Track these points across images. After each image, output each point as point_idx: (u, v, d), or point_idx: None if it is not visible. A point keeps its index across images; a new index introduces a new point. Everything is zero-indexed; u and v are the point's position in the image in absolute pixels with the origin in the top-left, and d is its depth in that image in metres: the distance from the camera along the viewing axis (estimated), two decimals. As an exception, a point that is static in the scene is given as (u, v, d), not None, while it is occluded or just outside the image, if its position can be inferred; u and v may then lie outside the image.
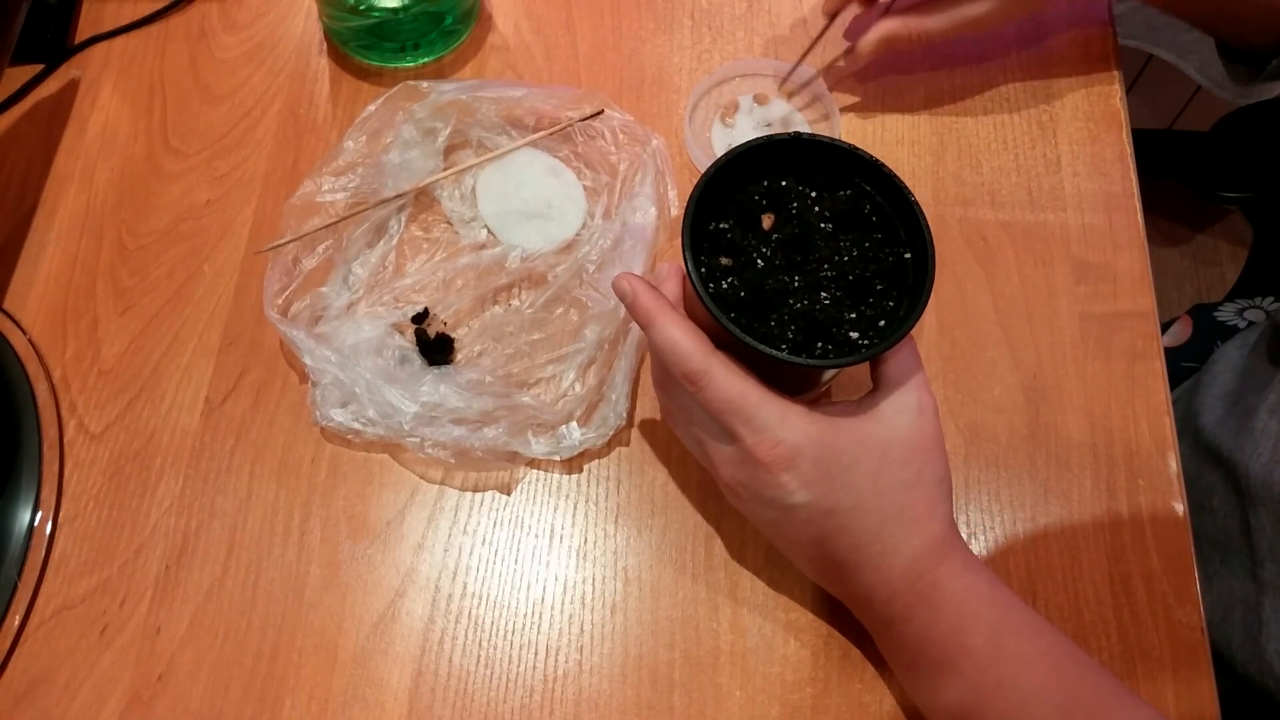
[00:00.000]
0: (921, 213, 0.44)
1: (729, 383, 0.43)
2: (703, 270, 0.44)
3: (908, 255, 0.45)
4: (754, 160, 0.46)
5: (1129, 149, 0.63)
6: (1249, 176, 1.50)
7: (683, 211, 0.44)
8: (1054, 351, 0.57)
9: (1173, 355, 0.85)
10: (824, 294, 0.44)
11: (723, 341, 0.44)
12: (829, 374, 0.49)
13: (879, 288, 0.45)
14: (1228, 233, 1.57)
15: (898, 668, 0.47)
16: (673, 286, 0.48)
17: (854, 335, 0.44)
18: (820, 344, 0.44)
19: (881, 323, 0.44)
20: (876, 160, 0.45)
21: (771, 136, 0.46)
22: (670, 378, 0.45)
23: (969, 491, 0.54)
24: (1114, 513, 0.53)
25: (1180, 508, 0.53)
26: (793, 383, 0.45)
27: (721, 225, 0.46)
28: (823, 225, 0.46)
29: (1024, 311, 0.58)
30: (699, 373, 0.43)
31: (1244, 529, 0.61)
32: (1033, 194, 0.62)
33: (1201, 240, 1.57)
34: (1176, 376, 0.69)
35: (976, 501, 0.54)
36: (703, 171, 0.45)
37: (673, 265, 0.48)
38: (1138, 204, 0.61)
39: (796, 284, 0.45)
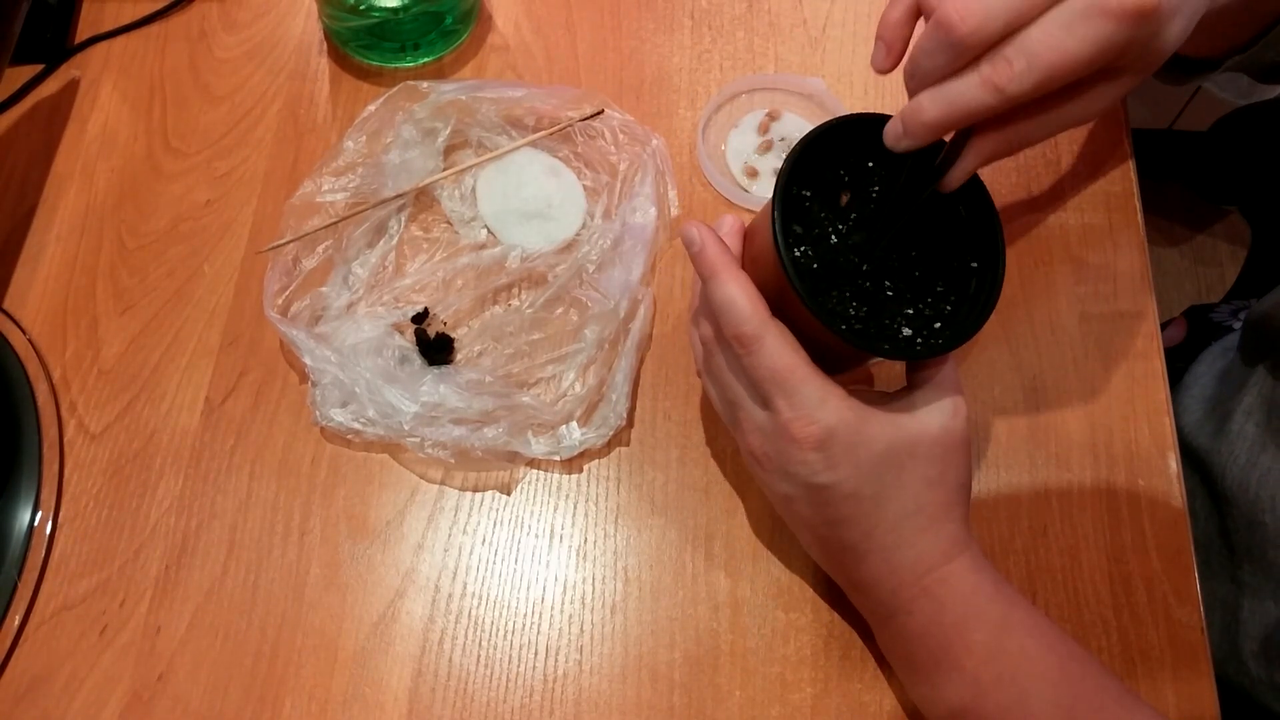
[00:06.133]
0: (999, 225, 0.44)
1: (780, 353, 0.42)
2: (784, 232, 0.43)
3: (974, 264, 0.45)
4: (851, 134, 0.45)
5: (1129, 149, 0.63)
6: (1247, 177, 1.50)
7: (776, 174, 0.43)
8: (1054, 351, 0.57)
9: (1167, 357, 0.85)
10: (888, 283, 0.44)
11: (781, 307, 0.43)
12: (873, 361, 0.49)
13: (940, 290, 0.45)
14: (1227, 233, 1.57)
15: (896, 662, 0.47)
16: (734, 243, 0.47)
17: (908, 331, 0.44)
18: (874, 330, 0.44)
19: (937, 324, 0.44)
20: None
21: (875, 114, 0.45)
22: (719, 333, 0.45)
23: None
24: (1114, 513, 0.53)
25: (1180, 508, 0.53)
26: (840, 363, 0.45)
27: (804, 193, 0.45)
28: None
29: (1024, 311, 0.58)
30: (752, 337, 0.43)
31: (1221, 531, 0.61)
32: (1033, 194, 0.62)
33: (1201, 240, 1.57)
34: (1170, 378, 0.69)
35: (977, 501, 0.54)
36: (785, 156, 0.44)
37: (736, 221, 0.48)
38: (1138, 204, 0.61)
39: (865, 268, 0.44)
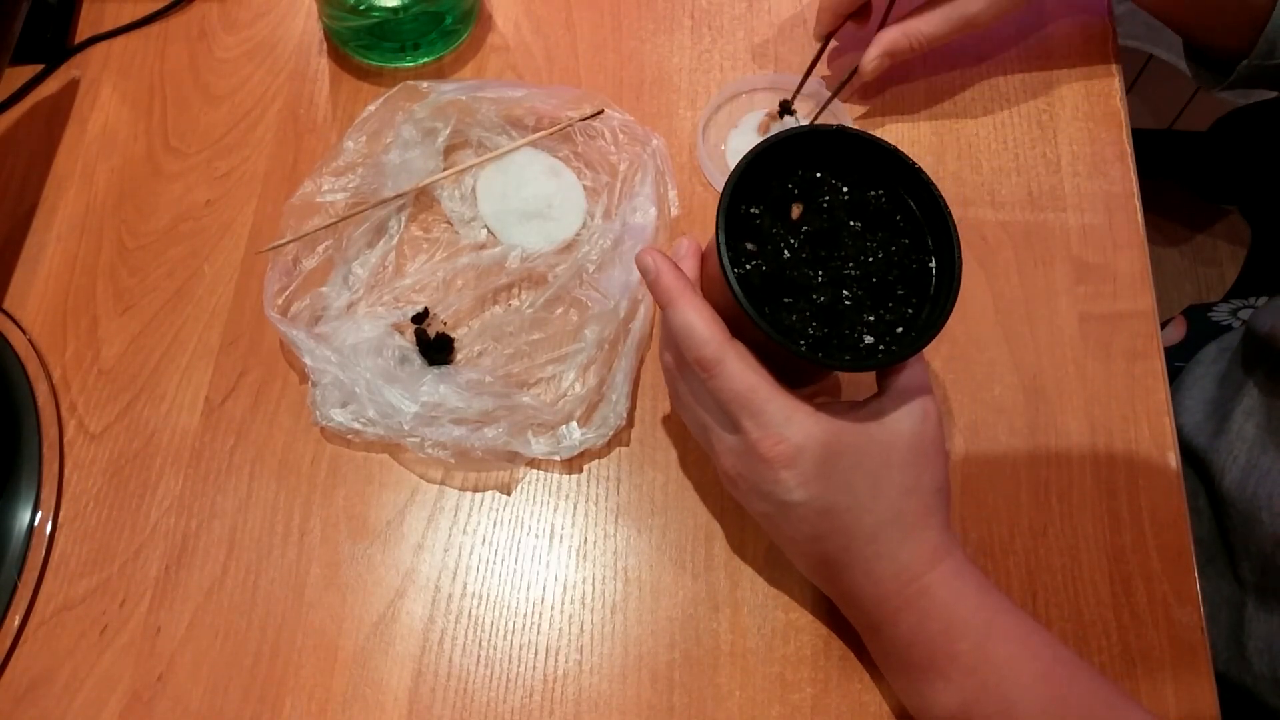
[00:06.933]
0: (953, 223, 0.44)
1: (741, 375, 0.43)
2: (730, 255, 0.43)
3: (932, 264, 0.45)
4: (794, 149, 0.45)
5: (1129, 149, 0.63)
6: (1247, 176, 1.50)
7: (719, 195, 0.43)
8: (1054, 351, 0.57)
9: (1166, 356, 0.85)
10: (845, 292, 0.44)
11: (739, 328, 0.43)
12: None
13: (900, 293, 0.45)
14: (1227, 233, 1.57)
15: (887, 671, 0.47)
16: (691, 265, 0.47)
17: (869, 339, 0.44)
18: (835, 341, 0.43)
19: (899, 329, 0.44)
20: (915, 165, 0.45)
21: (815, 126, 0.45)
22: (682, 360, 0.45)
23: (968, 491, 0.54)
24: (1114, 512, 0.53)
25: (1180, 508, 0.53)
26: (805, 375, 0.45)
27: (752, 210, 0.45)
28: (852, 223, 0.45)
29: (1024, 311, 0.58)
30: (712, 360, 0.43)
31: (1221, 530, 0.61)
32: (1033, 194, 0.62)
33: (1201, 240, 1.57)
34: (1169, 377, 0.69)
35: (976, 502, 0.54)
36: (728, 174, 0.44)
37: (692, 243, 0.48)
38: (1138, 204, 0.61)
39: (820, 279, 0.44)
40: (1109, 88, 0.65)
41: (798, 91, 0.64)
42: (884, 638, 0.45)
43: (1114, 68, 0.66)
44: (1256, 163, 1.43)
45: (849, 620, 0.49)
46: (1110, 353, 0.57)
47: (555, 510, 0.54)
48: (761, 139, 0.63)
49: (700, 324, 0.43)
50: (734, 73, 0.66)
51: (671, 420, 0.56)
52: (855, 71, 0.61)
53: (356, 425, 0.53)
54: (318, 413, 0.54)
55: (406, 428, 0.53)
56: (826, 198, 0.46)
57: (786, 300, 0.44)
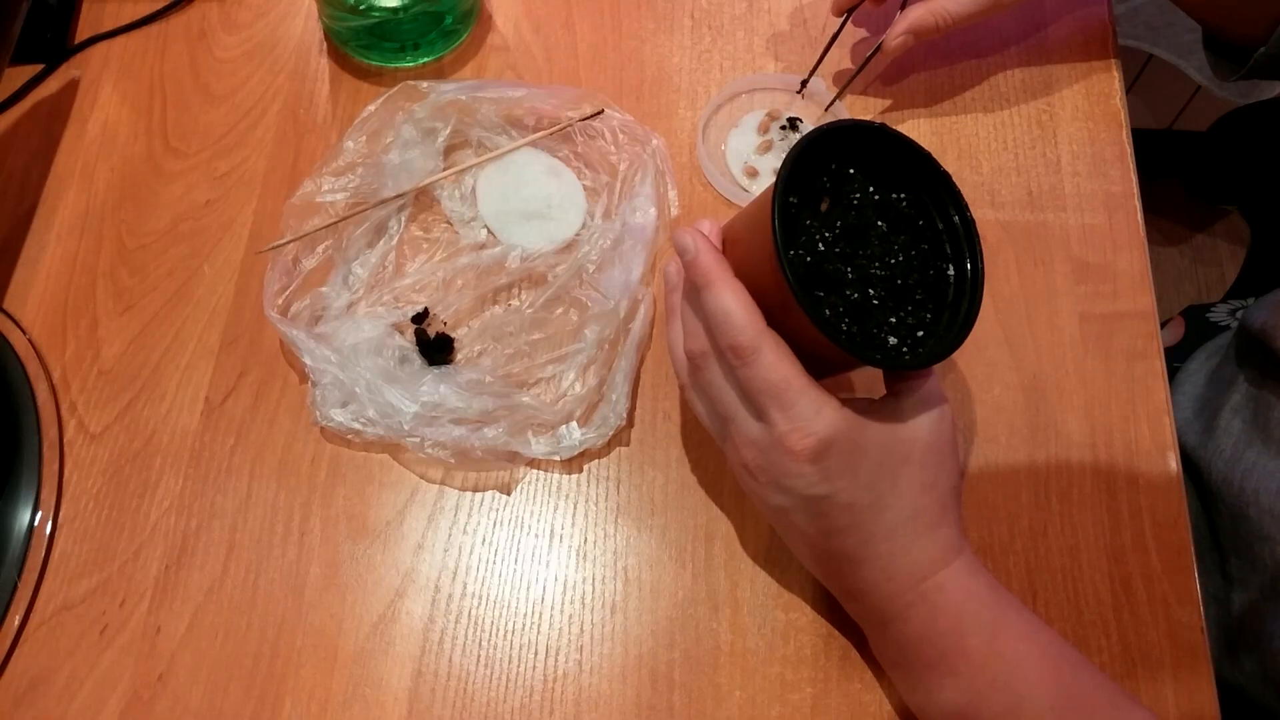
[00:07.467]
0: (977, 233, 0.44)
1: (777, 365, 0.42)
2: (784, 236, 0.42)
3: (950, 271, 0.45)
4: (832, 143, 0.45)
5: (1129, 149, 0.63)
6: (1247, 176, 1.50)
7: (774, 181, 0.42)
8: (1054, 351, 0.57)
9: (1165, 356, 0.86)
10: (871, 291, 0.44)
11: (771, 317, 0.43)
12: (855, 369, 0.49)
13: (918, 298, 0.45)
14: (1227, 233, 1.57)
15: (891, 667, 0.47)
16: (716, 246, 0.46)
17: (893, 340, 0.44)
18: (860, 340, 0.43)
19: (920, 332, 0.44)
20: (947, 173, 0.45)
21: (859, 122, 0.45)
22: (710, 344, 0.44)
23: (968, 491, 0.54)
24: (1114, 513, 0.53)
25: (1180, 508, 0.53)
26: (824, 371, 0.45)
27: (791, 199, 0.44)
28: (879, 223, 0.45)
29: (1024, 311, 0.58)
30: (748, 348, 0.42)
31: (1210, 526, 0.62)
32: (1033, 194, 0.62)
33: (1201, 240, 1.57)
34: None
35: (976, 502, 0.54)
36: (784, 159, 0.43)
37: (715, 226, 0.47)
38: (1138, 204, 0.61)
39: (850, 275, 0.44)
40: (1109, 88, 0.65)
41: (815, 68, 0.63)
42: (893, 633, 0.45)
43: (1114, 68, 0.66)
44: (1256, 163, 1.43)
45: (852, 616, 0.49)
46: (1110, 353, 0.57)
47: (555, 510, 0.54)
48: (759, 132, 0.64)
49: (739, 309, 0.42)
50: (734, 73, 0.66)
51: (671, 420, 0.56)
52: (879, 49, 0.61)
53: (356, 425, 0.53)
54: (318, 413, 0.54)
55: (406, 428, 0.53)
56: (857, 195, 0.46)
57: (819, 294, 0.43)
